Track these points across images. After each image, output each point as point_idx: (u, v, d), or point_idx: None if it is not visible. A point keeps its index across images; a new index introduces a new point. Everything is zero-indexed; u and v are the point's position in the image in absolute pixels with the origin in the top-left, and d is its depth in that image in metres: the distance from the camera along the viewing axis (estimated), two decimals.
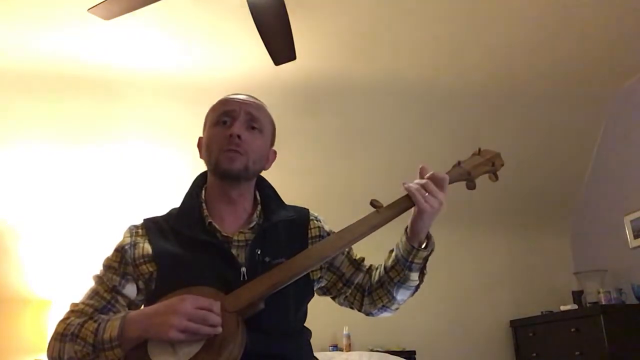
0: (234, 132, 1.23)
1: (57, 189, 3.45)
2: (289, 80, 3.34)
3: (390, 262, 1.26)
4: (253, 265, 1.18)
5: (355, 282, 1.33)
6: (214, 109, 1.33)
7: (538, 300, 4.13)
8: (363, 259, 1.37)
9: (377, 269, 1.33)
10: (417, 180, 1.21)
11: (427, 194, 1.18)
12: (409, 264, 1.22)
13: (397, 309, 1.33)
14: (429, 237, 1.24)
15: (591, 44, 3.35)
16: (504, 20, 3.12)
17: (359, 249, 1.38)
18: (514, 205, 4.23)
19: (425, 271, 1.27)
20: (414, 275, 1.24)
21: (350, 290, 1.34)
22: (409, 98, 3.62)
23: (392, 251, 1.28)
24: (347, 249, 1.35)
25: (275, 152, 1.37)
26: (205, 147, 1.29)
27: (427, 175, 1.21)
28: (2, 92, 3.19)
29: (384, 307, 1.31)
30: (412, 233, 1.21)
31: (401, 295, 1.28)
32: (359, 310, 1.36)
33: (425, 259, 1.24)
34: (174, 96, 3.37)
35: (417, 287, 1.28)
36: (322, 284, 1.35)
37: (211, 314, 1.04)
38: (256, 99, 1.35)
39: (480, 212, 4.14)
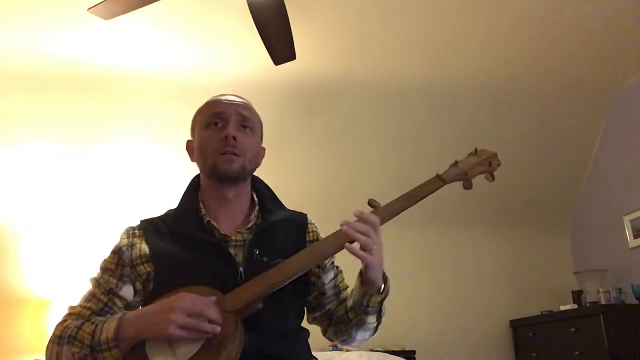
0: (230, 134, 1.23)
1: (57, 189, 3.45)
2: (289, 80, 3.34)
3: (350, 304, 1.25)
4: (251, 266, 1.18)
5: (327, 307, 1.33)
6: (202, 111, 1.32)
7: (538, 300, 4.13)
8: (347, 288, 1.36)
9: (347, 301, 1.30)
10: (357, 221, 1.14)
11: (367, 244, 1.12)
12: (364, 308, 1.20)
13: (358, 346, 1.33)
14: (385, 280, 1.20)
15: (591, 44, 3.35)
16: (504, 21, 3.12)
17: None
18: (514, 205, 4.23)
19: (382, 313, 1.24)
20: (371, 319, 1.23)
21: (319, 314, 1.34)
22: (409, 98, 3.62)
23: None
24: (338, 273, 1.36)
25: (264, 149, 1.37)
26: (199, 150, 1.28)
27: (359, 216, 1.15)
28: (2, 92, 3.19)
29: (345, 342, 1.32)
30: (367, 284, 1.17)
31: (361, 335, 1.28)
32: (324, 335, 1.36)
33: (381, 303, 1.21)
34: (174, 96, 3.37)
35: (376, 328, 1.28)
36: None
37: (210, 309, 1.04)
38: (244, 99, 1.35)
39: (480, 212, 4.14)
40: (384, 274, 1.19)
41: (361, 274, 1.19)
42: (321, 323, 1.35)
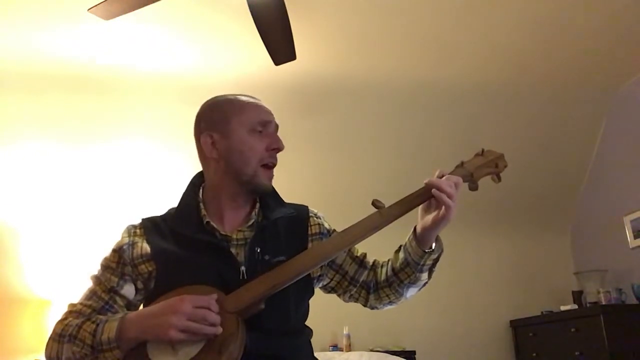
0: (281, 148, 1.26)
1: (57, 189, 3.44)
2: (289, 80, 3.34)
3: (399, 265, 1.26)
4: (252, 264, 1.18)
5: (361, 280, 1.33)
6: (244, 111, 1.26)
7: (538, 300, 4.14)
8: (365, 255, 1.36)
9: (382, 266, 1.33)
10: (444, 178, 1.20)
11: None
12: (420, 267, 1.23)
13: (401, 302, 1.34)
14: (437, 238, 1.24)
15: (591, 45, 3.35)
16: (504, 21, 3.12)
17: (359, 246, 1.37)
18: (514, 205, 4.23)
19: (434, 269, 1.27)
20: (424, 276, 1.26)
21: (355, 289, 1.33)
22: (409, 98, 3.62)
23: (397, 251, 1.28)
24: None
25: None
26: (239, 153, 1.22)
27: (444, 177, 1.20)
28: (2, 92, 3.19)
29: (390, 303, 1.33)
30: (423, 238, 1.20)
31: (410, 292, 1.30)
32: (364, 306, 1.37)
33: (436, 260, 1.25)
34: (174, 96, 3.37)
35: (426, 283, 1.30)
36: (326, 283, 1.34)
37: (211, 313, 1.03)
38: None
39: (480, 212, 4.13)
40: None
41: (414, 233, 1.22)
42: (359, 295, 1.34)
